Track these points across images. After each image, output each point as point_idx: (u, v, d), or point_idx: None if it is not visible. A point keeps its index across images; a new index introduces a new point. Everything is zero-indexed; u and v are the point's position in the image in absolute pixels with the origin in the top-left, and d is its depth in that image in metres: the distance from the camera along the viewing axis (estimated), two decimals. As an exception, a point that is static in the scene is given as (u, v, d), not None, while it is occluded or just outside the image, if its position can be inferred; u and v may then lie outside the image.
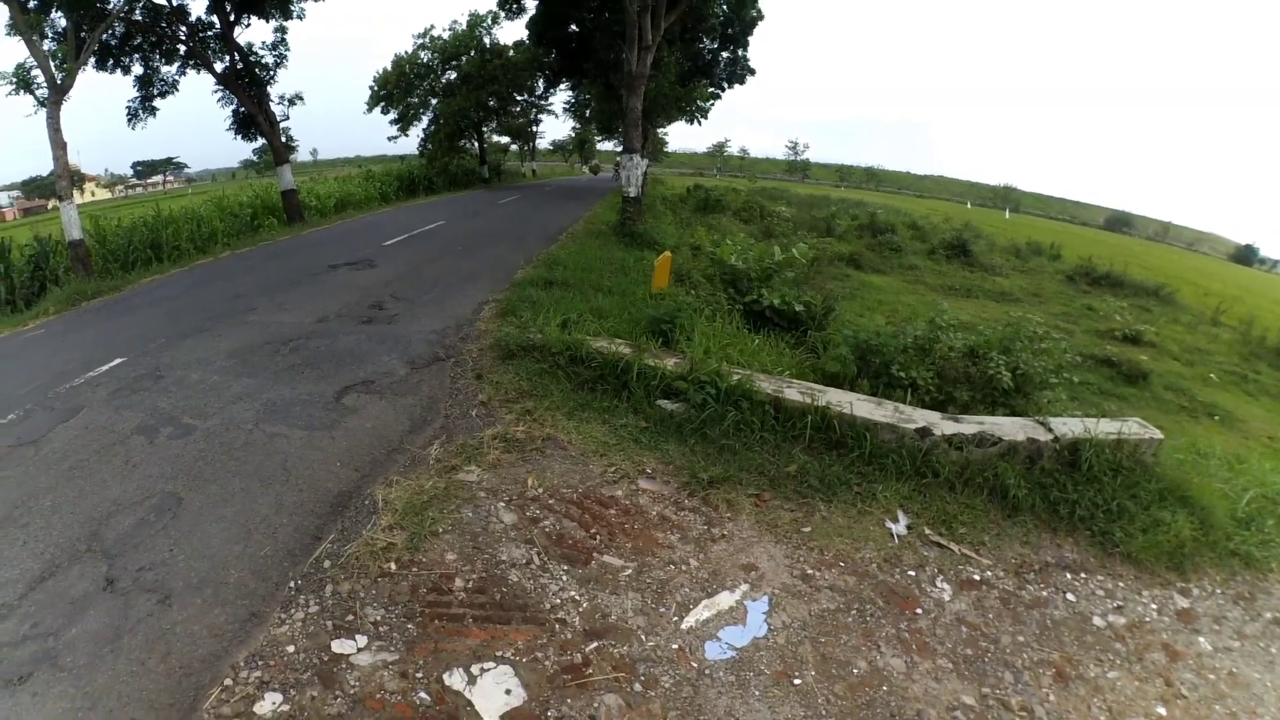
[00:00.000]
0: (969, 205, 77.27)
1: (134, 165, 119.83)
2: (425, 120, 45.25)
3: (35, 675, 3.64)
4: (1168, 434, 8.44)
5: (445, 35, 44.08)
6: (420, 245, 17.22)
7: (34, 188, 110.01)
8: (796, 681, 3.78)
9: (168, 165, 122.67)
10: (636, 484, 5.50)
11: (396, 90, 44.24)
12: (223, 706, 3.42)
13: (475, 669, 3.64)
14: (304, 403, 6.92)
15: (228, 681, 3.58)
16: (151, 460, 5.92)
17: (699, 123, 46.36)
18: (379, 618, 3.98)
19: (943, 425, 6.11)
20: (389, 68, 44.50)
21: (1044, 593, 5.11)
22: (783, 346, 9.12)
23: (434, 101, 44.79)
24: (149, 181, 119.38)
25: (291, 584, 4.31)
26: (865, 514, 5.38)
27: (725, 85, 40.72)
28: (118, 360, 8.49)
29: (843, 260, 24.83)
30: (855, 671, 3.92)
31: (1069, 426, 6.34)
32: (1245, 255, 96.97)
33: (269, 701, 3.45)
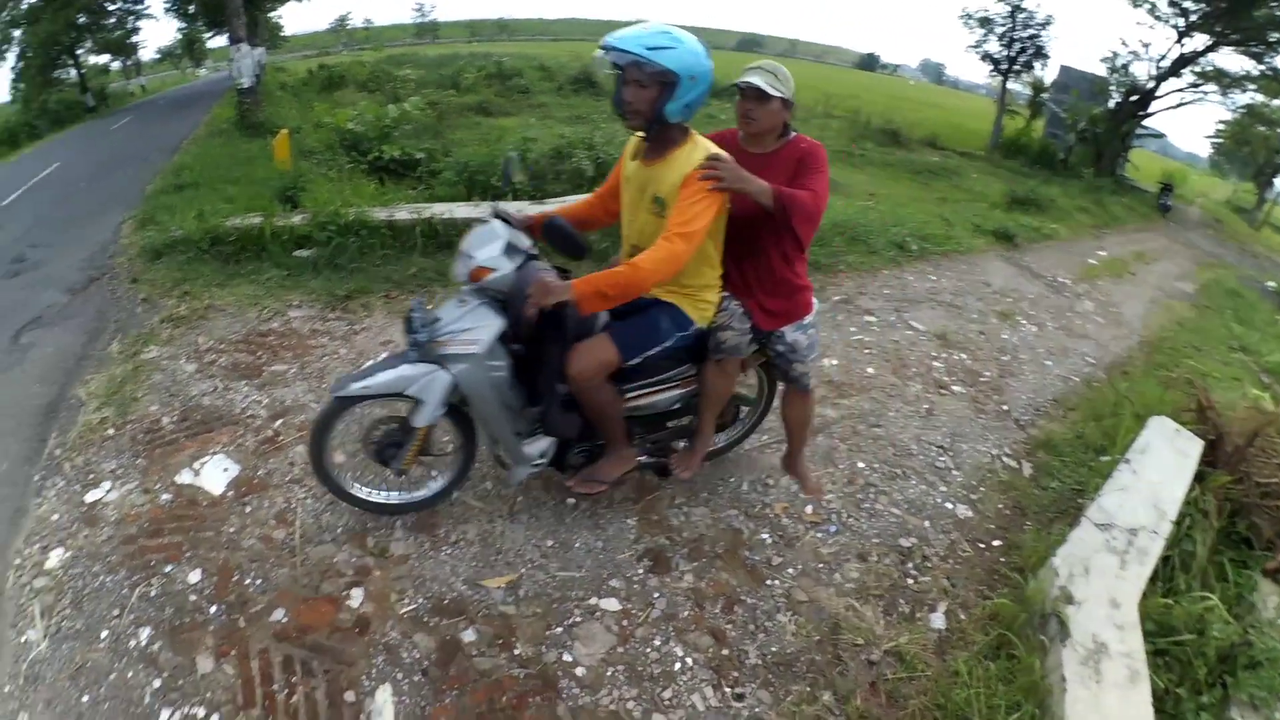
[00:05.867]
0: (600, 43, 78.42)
1: None
2: (10, 58, 40.20)
3: None
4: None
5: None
6: (41, 193, 16.49)
7: None
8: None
9: None
10: (287, 315, 6.80)
11: (-32, 30, 38.65)
12: (21, 577, 4.21)
13: (196, 465, 4.89)
14: (-20, 356, 7.44)
15: (17, 561, 4.34)
16: None
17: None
18: (113, 466, 5.04)
19: (530, 209, 7.71)
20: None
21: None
22: (404, 188, 10.41)
23: (17, 34, 39.48)
24: None
25: (36, 477, 5.12)
26: (476, 285, 6.98)
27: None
28: None
29: (471, 110, 25.44)
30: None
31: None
32: (868, 63, 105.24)
33: (54, 557, 4.30)
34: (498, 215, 3.90)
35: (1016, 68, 33.59)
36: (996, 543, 4.61)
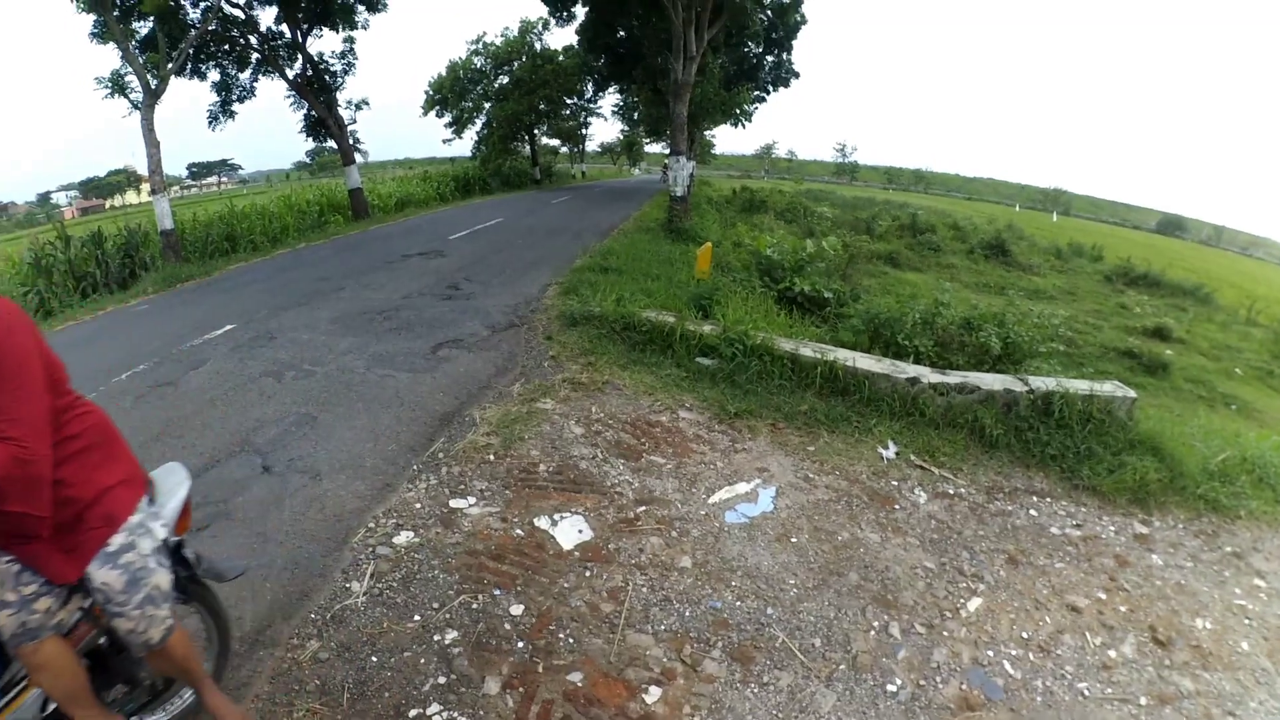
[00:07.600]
0: (1017, 208, 77.09)
1: (189, 166, 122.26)
2: (479, 123, 46.59)
3: (213, 525, 4.99)
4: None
5: (498, 41, 45.35)
6: (483, 239, 18.72)
7: (91, 188, 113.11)
8: (793, 541, 5.10)
9: (222, 167, 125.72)
10: (677, 414, 6.87)
11: (451, 95, 45.35)
12: (368, 539, 4.79)
13: (556, 516, 5.03)
14: (405, 354, 8.38)
15: (371, 525, 4.95)
16: (283, 393, 7.37)
17: (744, 126, 47.11)
18: (483, 487, 5.38)
19: (930, 375, 7.38)
20: (444, 73, 45.90)
21: (1009, 507, 6.27)
22: (807, 323, 10.44)
23: (487, 105, 46.03)
24: (203, 182, 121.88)
25: (414, 467, 5.76)
26: (861, 442, 6.68)
27: (770, 88, 41.71)
28: (229, 326, 9.95)
29: (880, 259, 25.50)
30: (839, 538, 5.23)
31: (1044, 382, 7.50)
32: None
33: (403, 536, 4.80)
34: None
35: None
36: None
